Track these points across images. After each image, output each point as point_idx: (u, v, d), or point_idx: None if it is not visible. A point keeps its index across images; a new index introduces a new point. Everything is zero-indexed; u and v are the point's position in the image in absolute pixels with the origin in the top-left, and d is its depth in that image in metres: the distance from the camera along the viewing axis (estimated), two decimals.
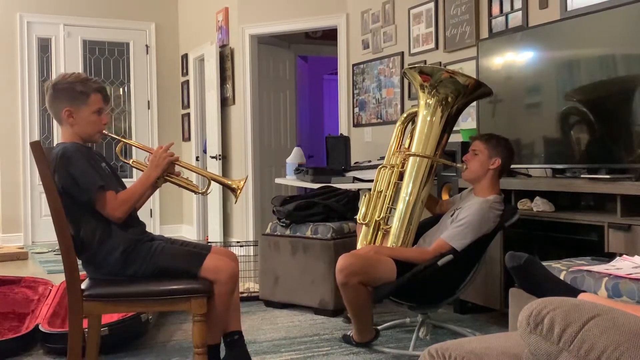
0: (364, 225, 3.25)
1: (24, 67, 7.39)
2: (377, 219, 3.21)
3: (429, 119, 3.15)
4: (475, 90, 3.13)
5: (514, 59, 3.65)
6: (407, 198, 3.14)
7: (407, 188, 3.15)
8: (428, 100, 3.16)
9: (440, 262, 2.89)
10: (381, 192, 3.25)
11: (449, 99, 3.11)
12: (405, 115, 3.49)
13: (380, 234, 3.23)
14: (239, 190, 2.72)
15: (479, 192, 3.09)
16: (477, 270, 3.11)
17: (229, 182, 2.79)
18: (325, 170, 4.78)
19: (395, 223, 3.15)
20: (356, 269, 2.90)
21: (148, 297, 2.49)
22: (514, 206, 3.25)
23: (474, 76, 3.58)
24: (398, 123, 3.48)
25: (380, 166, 3.34)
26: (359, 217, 3.27)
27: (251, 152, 6.46)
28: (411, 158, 3.18)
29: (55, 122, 6.81)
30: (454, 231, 2.96)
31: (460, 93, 3.10)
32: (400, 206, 3.14)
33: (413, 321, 3.39)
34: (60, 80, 2.60)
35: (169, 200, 7.92)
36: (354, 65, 5.71)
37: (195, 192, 2.87)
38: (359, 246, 3.25)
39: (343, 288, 2.95)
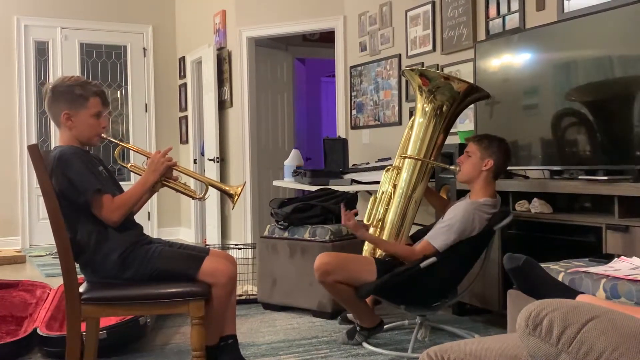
0: (371, 227, 3.27)
1: (21, 71, 7.39)
2: (378, 219, 3.23)
3: (425, 123, 3.18)
4: (473, 94, 3.14)
5: (511, 61, 3.66)
6: (399, 199, 3.18)
7: (400, 189, 3.18)
8: (425, 106, 3.17)
9: (423, 265, 2.90)
10: (384, 193, 3.27)
11: (444, 108, 3.14)
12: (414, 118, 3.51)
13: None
14: (236, 197, 2.72)
15: (473, 194, 3.09)
16: (475, 274, 3.11)
17: (227, 188, 2.78)
18: (323, 172, 4.78)
19: (389, 223, 3.19)
20: (329, 268, 2.97)
21: (146, 300, 2.49)
22: (506, 209, 3.24)
23: (471, 78, 3.59)
24: (407, 128, 3.50)
25: (386, 168, 3.36)
26: (365, 218, 3.30)
27: (249, 154, 6.46)
28: (406, 160, 3.19)
29: (52, 125, 6.81)
30: (437, 231, 2.98)
31: (456, 100, 3.12)
32: (392, 207, 3.17)
33: (411, 323, 3.39)
34: (60, 83, 2.59)
35: (166, 203, 7.91)
36: (351, 67, 5.71)
37: (193, 198, 2.86)
38: (365, 247, 3.29)
39: (323, 286, 3.06)
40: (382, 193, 3.28)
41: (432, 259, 2.91)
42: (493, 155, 3.04)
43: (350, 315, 3.47)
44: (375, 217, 3.24)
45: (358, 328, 3.19)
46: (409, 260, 2.96)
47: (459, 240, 2.95)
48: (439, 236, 2.96)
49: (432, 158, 3.19)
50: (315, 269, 3.03)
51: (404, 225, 3.17)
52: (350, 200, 4.07)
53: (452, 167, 3.24)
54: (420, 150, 3.17)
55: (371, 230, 3.27)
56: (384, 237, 3.17)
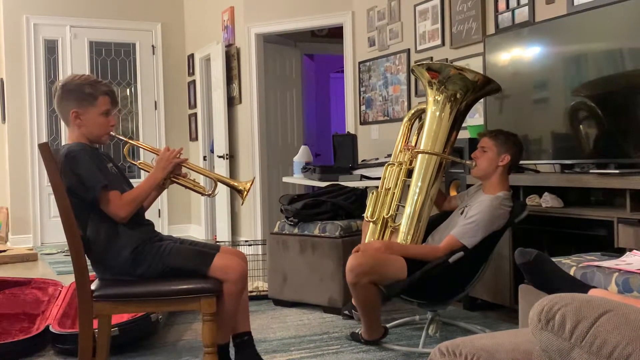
0: (371, 223, 3.25)
1: (31, 69, 7.42)
2: (385, 216, 3.21)
3: (437, 114, 3.14)
4: (484, 86, 3.12)
5: (520, 55, 3.64)
6: (416, 196, 3.13)
7: (416, 185, 3.14)
8: (437, 97, 3.14)
9: (451, 260, 2.89)
10: (389, 189, 3.25)
11: (458, 95, 3.10)
12: (412, 111, 3.48)
13: (388, 231, 3.22)
14: (245, 192, 2.71)
15: (488, 188, 3.08)
16: (486, 266, 3.10)
17: (236, 184, 2.78)
18: (332, 168, 4.78)
19: (404, 220, 3.14)
20: (366, 268, 2.89)
21: (158, 297, 2.49)
22: (522, 202, 3.24)
23: (481, 72, 3.56)
24: (405, 120, 3.47)
25: (388, 163, 3.33)
26: (366, 214, 3.27)
27: (258, 151, 6.46)
28: (420, 155, 3.17)
29: (63, 124, 6.84)
30: (464, 228, 2.95)
31: (469, 89, 3.09)
32: (410, 203, 3.14)
33: (422, 318, 3.38)
34: (69, 82, 2.60)
35: (177, 200, 7.94)
36: (360, 62, 5.70)
37: (202, 194, 2.87)
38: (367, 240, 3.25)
39: (353, 287, 2.95)
40: (386, 190, 3.25)
41: (460, 254, 2.90)
42: (509, 151, 3.04)
43: (356, 315, 3.45)
44: (381, 215, 3.22)
45: (362, 341, 3.16)
46: (433, 258, 2.95)
47: (486, 235, 2.95)
48: (467, 232, 2.94)
49: (446, 153, 3.17)
50: (349, 269, 2.92)
51: (421, 221, 3.13)
52: (360, 197, 4.07)
53: (467, 162, 3.21)
54: (434, 145, 3.14)
55: (371, 226, 3.24)
56: (400, 235, 3.13)
